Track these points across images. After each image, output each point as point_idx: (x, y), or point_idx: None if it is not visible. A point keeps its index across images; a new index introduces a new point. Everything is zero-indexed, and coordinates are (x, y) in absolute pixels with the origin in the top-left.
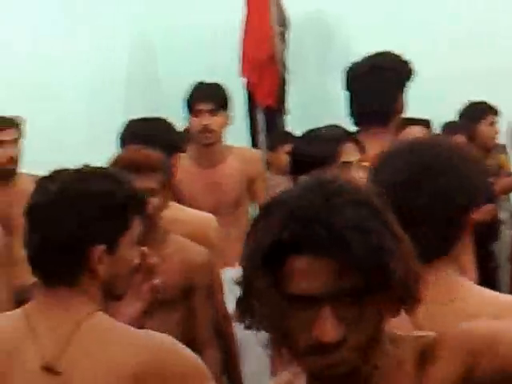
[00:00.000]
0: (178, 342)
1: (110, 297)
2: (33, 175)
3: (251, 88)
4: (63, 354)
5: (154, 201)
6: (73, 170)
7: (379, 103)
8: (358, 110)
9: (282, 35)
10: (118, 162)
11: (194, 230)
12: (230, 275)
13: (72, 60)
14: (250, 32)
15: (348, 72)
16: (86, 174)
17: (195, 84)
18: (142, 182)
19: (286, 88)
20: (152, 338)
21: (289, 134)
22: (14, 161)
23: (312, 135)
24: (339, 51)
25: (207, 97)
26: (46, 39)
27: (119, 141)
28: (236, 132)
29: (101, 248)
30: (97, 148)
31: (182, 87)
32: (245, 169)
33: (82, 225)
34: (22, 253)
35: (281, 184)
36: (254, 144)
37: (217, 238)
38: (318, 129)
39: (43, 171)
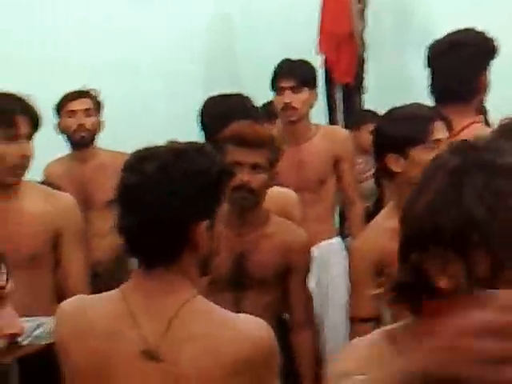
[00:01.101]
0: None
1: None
2: (111, 151)
3: (329, 65)
4: (164, 339)
5: (260, 177)
6: (165, 147)
7: (459, 81)
8: (438, 88)
9: (361, 12)
10: (228, 135)
11: (281, 207)
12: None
13: (150, 36)
14: (329, 9)
15: (429, 49)
16: (181, 151)
17: (280, 61)
18: (250, 157)
19: (365, 66)
20: (251, 324)
21: (372, 113)
22: (86, 129)
23: (399, 114)
24: (418, 29)
25: (289, 74)
26: (122, 14)
27: (198, 118)
28: (313, 110)
29: (205, 224)
30: (176, 125)
31: (261, 64)
32: (332, 148)
33: (185, 203)
34: (98, 227)
35: (362, 164)
36: (332, 122)
37: (299, 216)
38: (403, 107)
39: (121, 148)
